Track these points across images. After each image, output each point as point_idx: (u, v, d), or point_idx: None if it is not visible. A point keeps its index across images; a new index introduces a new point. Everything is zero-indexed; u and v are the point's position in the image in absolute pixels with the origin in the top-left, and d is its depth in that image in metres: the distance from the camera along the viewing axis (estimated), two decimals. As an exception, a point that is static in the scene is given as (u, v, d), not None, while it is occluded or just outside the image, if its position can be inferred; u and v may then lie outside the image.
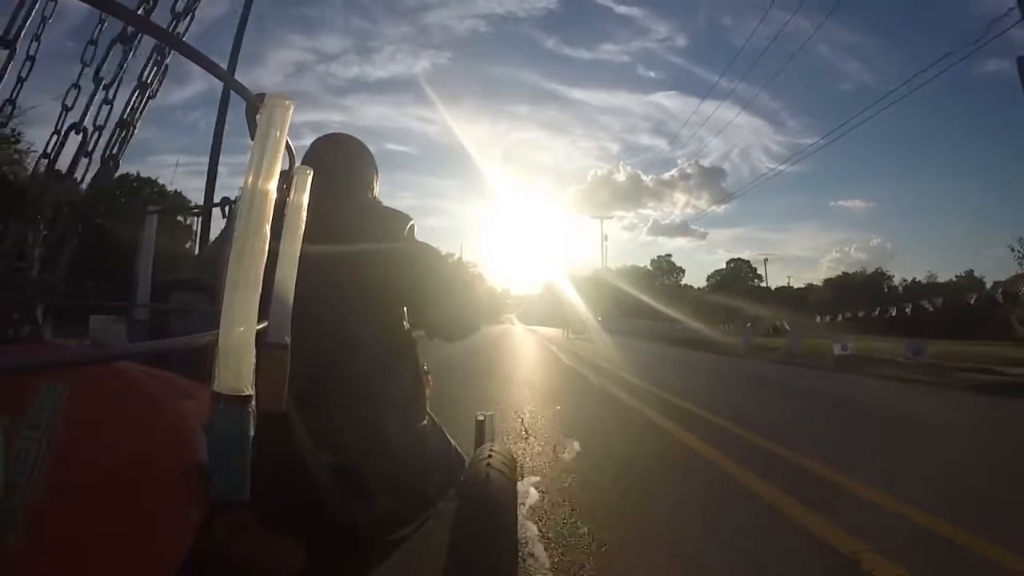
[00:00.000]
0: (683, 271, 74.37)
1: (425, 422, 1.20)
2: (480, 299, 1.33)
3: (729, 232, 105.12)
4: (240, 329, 0.53)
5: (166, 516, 0.56)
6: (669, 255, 76.65)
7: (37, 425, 0.57)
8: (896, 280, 54.99)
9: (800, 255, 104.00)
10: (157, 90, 0.97)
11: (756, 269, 67.76)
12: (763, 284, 63.27)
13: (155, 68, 0.96)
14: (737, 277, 65.06)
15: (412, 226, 1.23)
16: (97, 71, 0.93)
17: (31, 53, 0.92)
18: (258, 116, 0.57)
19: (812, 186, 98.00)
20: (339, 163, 1.24)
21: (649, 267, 74.26)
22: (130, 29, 0.93)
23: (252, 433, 0.55)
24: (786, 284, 61.73)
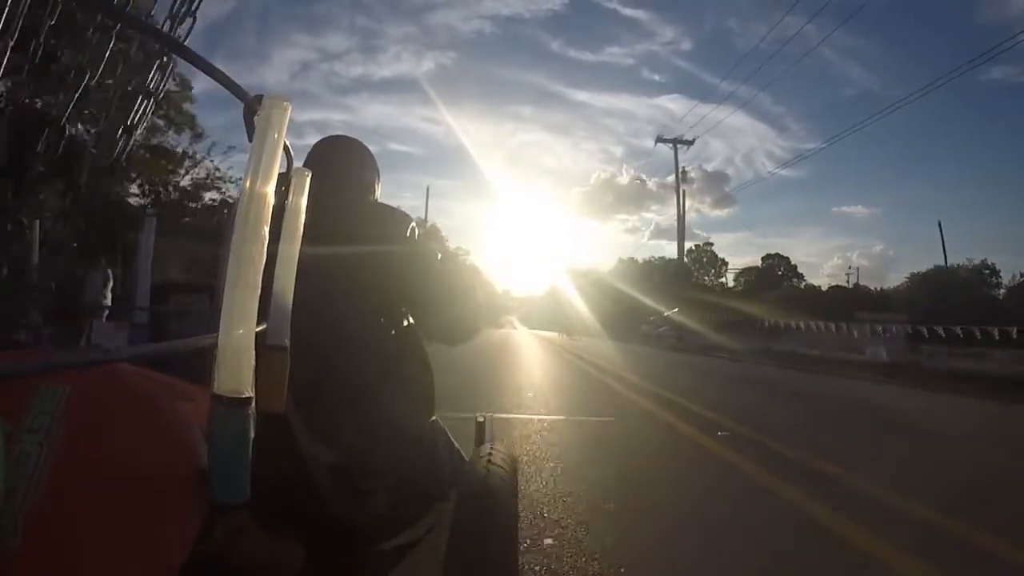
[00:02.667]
0: (726, 263, 57.56)
1: (430, 422, 1.20)
2: (480, 303, 1.33)
3: (731, 236, 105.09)
4: (239, 331, 0.53)
5: (166, 519, 0.56)
6: (710, 242, 59.59)
7: (37, 428, 0.57)
8: (1006, 277, 41.57)
9: (803, 260, 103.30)
10: (162, 93, 0.98)
11: (796, 267, 55.00)
12: (806, 283, 51.84)
13: (159, 72, 0.97)
14: (774, 276, 53.28)
15: (413, 227, 1.23)
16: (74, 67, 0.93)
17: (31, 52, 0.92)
18: (256, 118, 0.57)
19: (815, 192, 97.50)
20: (340, 165, 1.24)
21: (685, 259, 58.42)
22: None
23: (252, 435, 0.55)
24: (842, 283, 49.14)
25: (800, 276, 54.32)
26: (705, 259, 57.49)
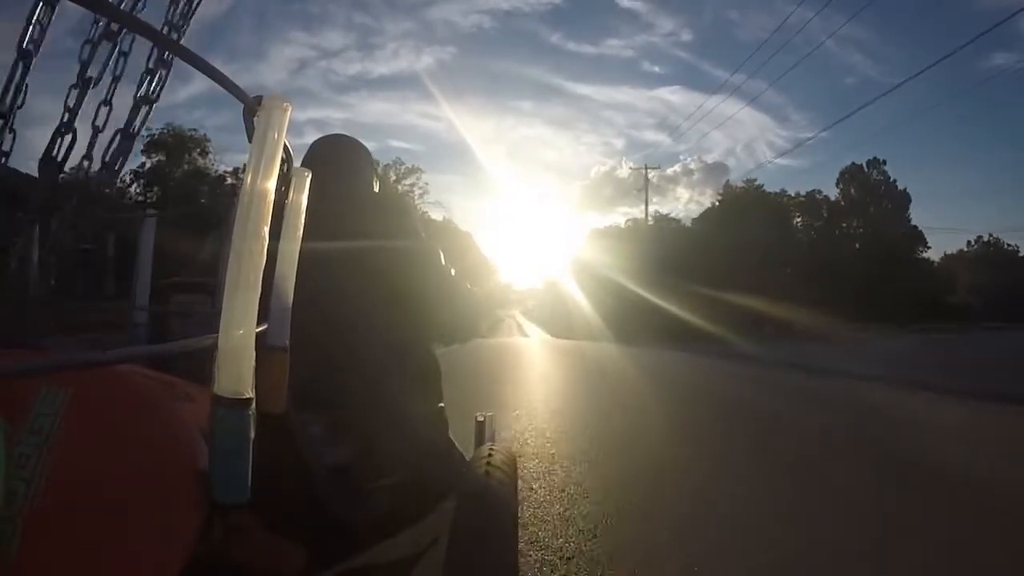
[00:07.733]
0: (910, 198, 35.08)
1: (436, 411, 1.19)
2: (480, 305, 1.33)
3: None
4: (239, 332, 0.53)
5: (167, 520, 0.55)
6: (884, 159, 35.90)
7: (38, 430, 0.57)
8: None
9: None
10: (159, 94, 0.97)
11: (922, 233, 35.05)
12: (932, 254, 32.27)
13: (159, 74, 0.96)
14: (899, 242, 33.23)
15: (416, 222, 1.23)
16: (85, 70, 0.93)
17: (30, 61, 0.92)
18: (256, 118, 0.57)
19: (814, 182, 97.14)
20: (339, 162, 1.24)
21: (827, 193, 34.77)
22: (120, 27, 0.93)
23: (252, 436, 0.55)
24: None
25: (927, 247, 35.81)
26: (867, 189, 35.20)
